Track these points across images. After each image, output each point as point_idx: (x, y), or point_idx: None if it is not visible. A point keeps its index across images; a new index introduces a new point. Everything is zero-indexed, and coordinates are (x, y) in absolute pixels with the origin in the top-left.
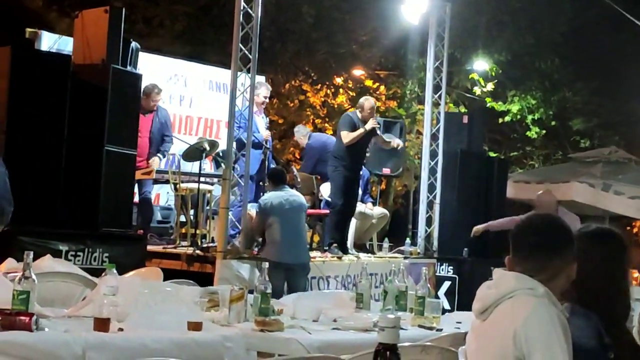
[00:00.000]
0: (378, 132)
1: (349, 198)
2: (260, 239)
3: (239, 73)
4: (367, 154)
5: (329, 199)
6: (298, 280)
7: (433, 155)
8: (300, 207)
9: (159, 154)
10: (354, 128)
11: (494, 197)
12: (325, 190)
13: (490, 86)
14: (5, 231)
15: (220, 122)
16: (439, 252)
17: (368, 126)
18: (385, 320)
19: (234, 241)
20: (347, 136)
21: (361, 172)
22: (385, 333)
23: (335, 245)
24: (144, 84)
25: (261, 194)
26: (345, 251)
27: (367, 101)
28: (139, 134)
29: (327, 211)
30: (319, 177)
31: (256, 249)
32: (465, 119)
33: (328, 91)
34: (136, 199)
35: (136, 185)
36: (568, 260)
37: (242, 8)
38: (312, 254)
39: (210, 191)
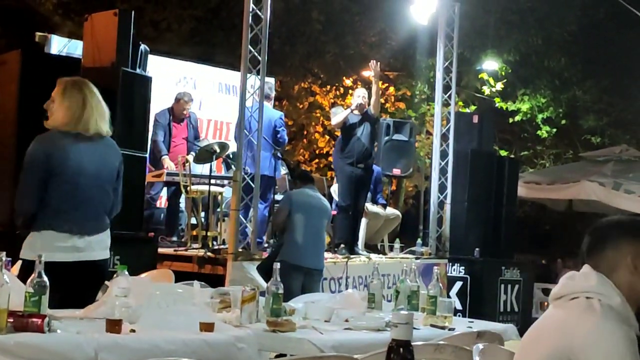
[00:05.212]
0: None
1: (355, 197)
2: (272, 240)
3: (248, 75)
4: (375, 150)
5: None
6: (314, 285)
7: (443, 155)
8: (325, 210)
9: (192, 152)
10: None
11: (504, 197)
12: (336, 191)
13: (499, 86)
14: (17, 234)
15: (230, 124)
16: (450, 252)
17: (352, 106)
18: (398, 316)
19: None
20: (334, 120)
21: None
22: (399, 329)
23: (343, 246)
24: (154, 86)
25: (272, 195)
26: (353, 252)
27: (356, 90)
28: (174, 142)
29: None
30: (328, 179)
31: (267, 251)
32: (476, 119)
33: (337, 92)
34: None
35: (165, 189)
36: (623, 252)
37: (251, 10)
38: None
39: (221, 193)
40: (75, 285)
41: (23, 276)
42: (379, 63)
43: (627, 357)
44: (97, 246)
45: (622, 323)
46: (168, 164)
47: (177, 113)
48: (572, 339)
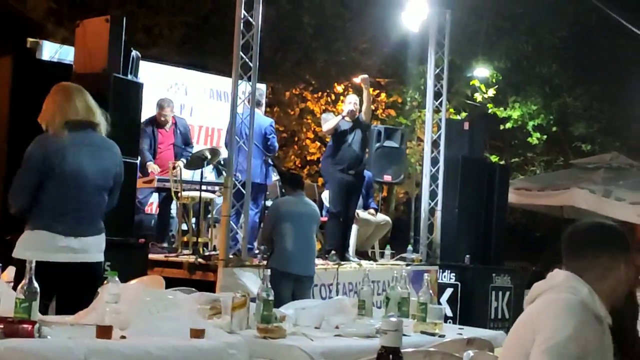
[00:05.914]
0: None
1: (346, 203)
2: (262, 247)
3: (239, 81)
4: (366, 157)
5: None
6: (305, 292)
7: (434, 162)
8: (314, 216)
9: (182, 159)
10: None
11: (495, 204)
12: (327, 197)
13: (491, 92)
14: (7, 240)
15: (222, 130)
16: (440, 259)
17: (344, 112)
18: (387, 323)
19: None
20: (325, 126)
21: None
22: (388, 336)
23: (333, 252)
24: (145, 92)
25: (263, 202)
26: (344, 259)
27: (347, 96)
28: (160, 148)
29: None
30: (319, 185)
31: (258, 257)
32: (466, 126)
33: (328, 99)
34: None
35: (155, 195)
36: (618, 261)
37: (242, 16)
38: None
39: (212, 199)
40: (69, 287)
41: (18, 278)
42: (367, 77)
43: (570, 327)
44: (93, 248)
45: (584, 308)
46: (152, 168)
47: (158, 119)
48: (535, 317)
